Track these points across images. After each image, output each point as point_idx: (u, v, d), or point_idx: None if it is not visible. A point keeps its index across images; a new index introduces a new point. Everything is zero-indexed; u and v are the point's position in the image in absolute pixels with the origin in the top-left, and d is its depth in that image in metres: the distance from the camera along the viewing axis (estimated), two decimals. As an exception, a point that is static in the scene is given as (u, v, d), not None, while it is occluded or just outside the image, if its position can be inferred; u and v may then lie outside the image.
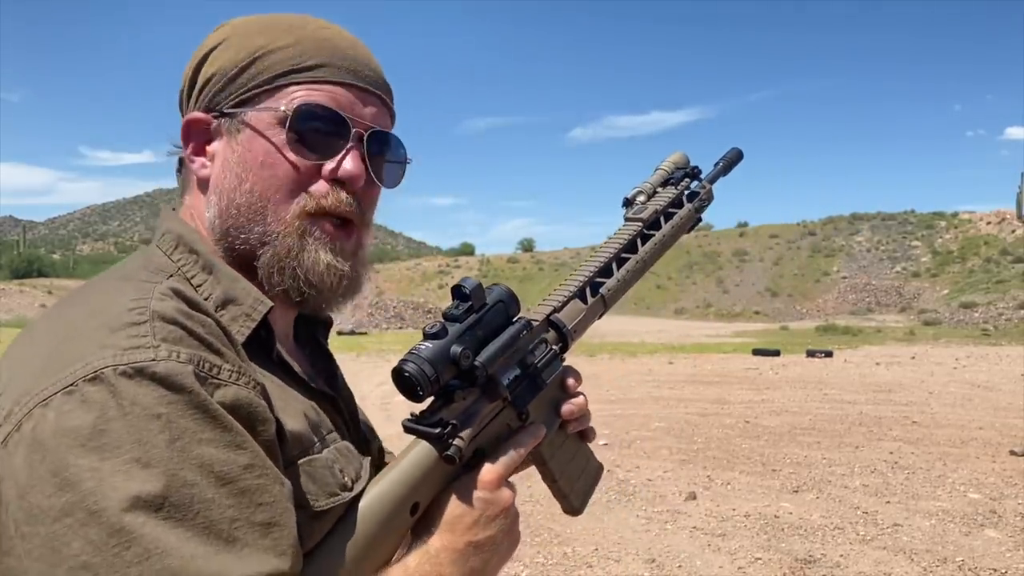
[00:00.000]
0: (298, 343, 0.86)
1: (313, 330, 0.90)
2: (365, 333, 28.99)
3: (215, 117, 0.77)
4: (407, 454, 0.72)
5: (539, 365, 0.80)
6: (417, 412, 0.74)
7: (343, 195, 0.76)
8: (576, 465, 0.89)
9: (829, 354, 17.17)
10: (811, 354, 17.35)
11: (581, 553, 4.24)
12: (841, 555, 4.22)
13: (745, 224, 74.78)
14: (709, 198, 1.04)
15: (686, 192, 1.02)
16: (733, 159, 1.09)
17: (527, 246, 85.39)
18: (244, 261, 0.76)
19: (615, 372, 13.87)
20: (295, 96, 0.74)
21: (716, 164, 1.08)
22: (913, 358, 16.84)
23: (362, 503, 0.70)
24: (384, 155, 0.80)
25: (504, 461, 0.76)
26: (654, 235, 0.96)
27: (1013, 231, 55.78)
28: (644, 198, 0.99)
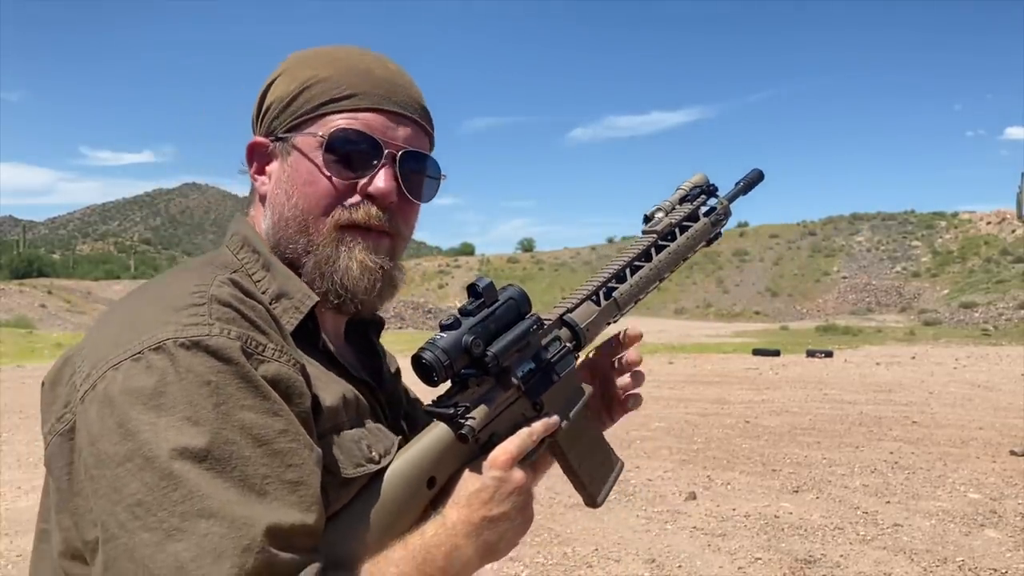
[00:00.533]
0: (349, 342, 0.96)
1: (365, 330, 1.00)
2: (365, 333, 28.93)
3: (272, 141, 0.88)
4: (426, 433, 0.80)
5: (552, 360, 0.88)
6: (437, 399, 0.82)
7: (373, 209, 0.85)
8: (595, 459, 0.95)
9: (829, 354, 17.18)
10: (811, 354, 17.36)
11: (581, 553, 4.24)
12: (841, 555, 4.22)
13: (745, 224, 74.73)
14: (726, 213, 1.09)
15: (703, 208, 1.07)
16: (754, 180, 1.14)
17: (527, 246, 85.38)
18: (292, 267, 0.86)
19: (615, 372, 13.86)
20: (333, 123, 0.85)
21: (737, 183, 1.13)
22: (913, 358, 16.85)
23: (385, 475, 0.77)
24: (417, 172, 0.89)
25: (515, 441, 0.82)
26: (668, 245, 1.02)
27: (1013, 231, 55.77)
28: (662, 215, 1.05)
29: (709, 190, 1.09)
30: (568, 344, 0.91)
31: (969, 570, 4.02)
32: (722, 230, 1.09)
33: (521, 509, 0.81)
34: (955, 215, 64.83)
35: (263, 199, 0.90)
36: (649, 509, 5.10)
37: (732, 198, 1.12)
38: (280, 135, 0.87)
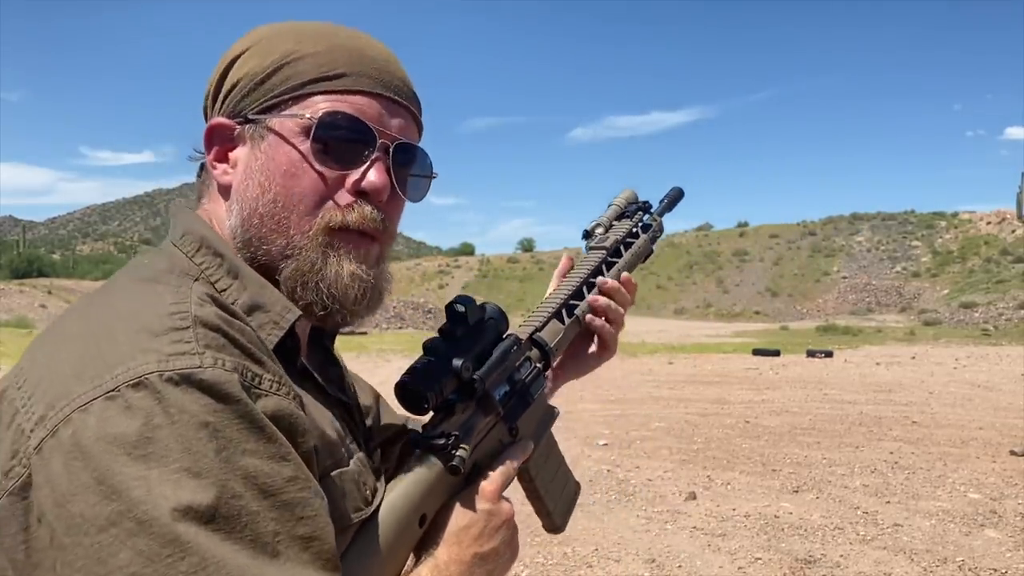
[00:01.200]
0: (310, 350, 0.85)
1: (319, 334, 0.88)
2: (365, 333, 28.93)
3: (239, 123, 0.75)
4: (413, 467, 0.73)
5: (527, 381, 0.83)
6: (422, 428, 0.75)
7: (367, 209, 0.74)
8: (558, 483, 0.91)
9: (829, 354, 17.18)
10: (811, 354, 17.36)
11: (581, 553, 4.23)
12: (841, 555, 4.22)
13: (745, 224, 74.78)
14: (660, 229, 1.14)
15: (640, 224, 1.11)
16: (676, 197, 1.18)
17: (527, 246, 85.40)
18: (266, 272, 0.73)
19: (615, 372, 13.87)
20: (320, 105, 0.73)
21: (662, 201, 1.17)
22: (913, 358, 16.85)
23: (380, 516, 0.70)
24: (410, 168, 0.78)
25: (502, 472, 0.77)
26: (616, 262, 1.04)
27: (1013, 231, 55.78)
28: (602, 230, 1.07)
29: (645, 206, 1.12)
30: (538, 364, 0.87)
31: (969, 570, 4.02)
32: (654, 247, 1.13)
33: (508, 543, 0.76)
34: (955, 215, 64.85)
35: (225, 191, 0.76)
36: (649, 509, 5.10)
37: (662, 214, 1.15)
38: (251, 116, 0.74)
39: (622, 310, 1.01)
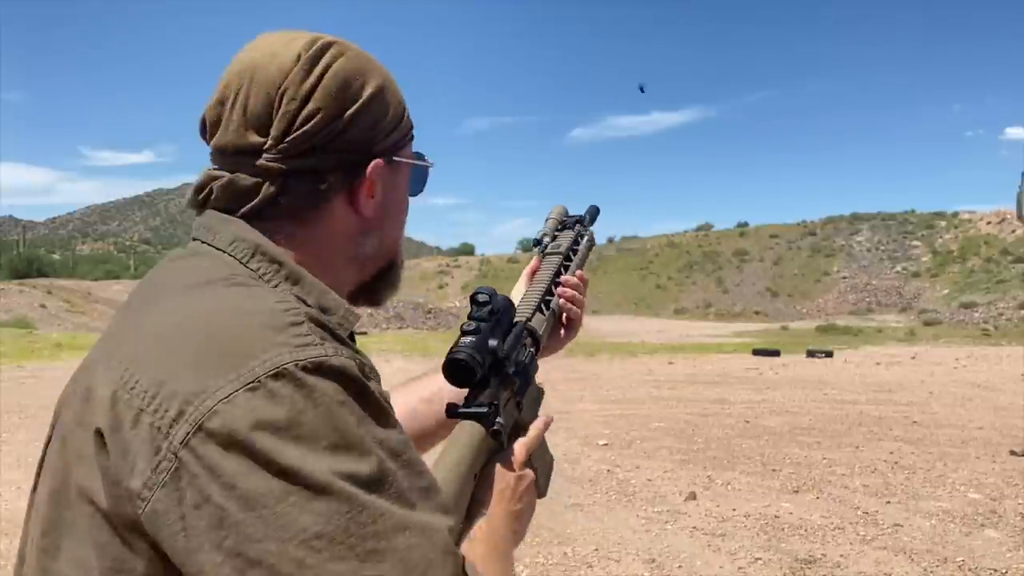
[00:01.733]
0: None
1: None
2: (365, 333, 28.96)
3: (386, 162, 0.83)
4: (462, 433, 0.83)
5: (527, 363, 0.96)
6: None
7: None
8: (540, 451, 1.01)
9: (829, 354, 17.19)
10: (811, 354, 17.37)
11: (581, 553, 4.23)
12: (841, 555, 4.22)
13: (745, 224, 74.73)
14: (593, 239, 1.33)
15: (579, 233, 1.30)
16: (595, 213, 1.38)
17: (527, 246, 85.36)
18: (360, 285, 0.88)
19: (615, 372, 13.87)
20: (411, 151, 0.89)
21: (585, 216, 1.36)
22: (913, 358, 16.85)
23: (440, 482, 0.76)
24: None
25: (531, 439, 0.89)
26: (570, 263, 1.23)
27: (1013, 231, 55.77)
28: (549, 239, 1.26)
29: (580, 220, 1.32)
30: (532, 349, 1.01)
31: (969, 570, 4.02)
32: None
33: (531, 505, 0.87)
34: (955, 215, 64.81)
35: (353, 219, 0.82)
36: (649, 509, 5.10)
37: (590, 226, 1.34)
38: (396, 158, 0.84)
39: (585, 297, 1.23)
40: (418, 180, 0.91)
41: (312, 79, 0.77)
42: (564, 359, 16.65)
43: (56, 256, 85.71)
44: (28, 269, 50.50)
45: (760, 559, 4.16)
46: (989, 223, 59.83)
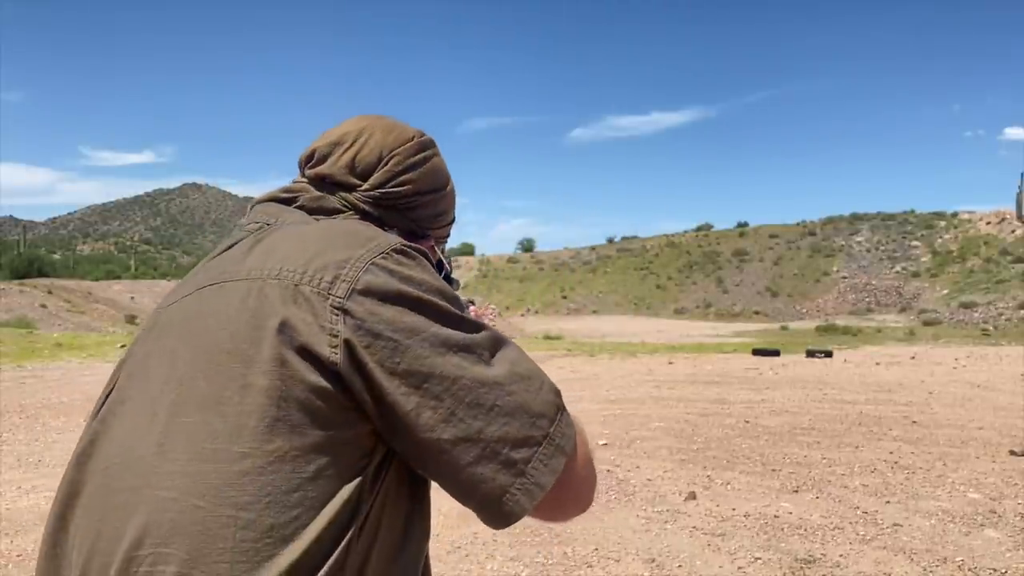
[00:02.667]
0: None
1: None
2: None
3: (432, 245, 1.09)
4: None
5: None
6: None
7: None
8: None
9: (829, 354, 17.19)
10: (811, 354, 17.37)
11: (581, 553, 4.24)
12: (841, 555, 4.22)
13: (745, 224, 74.75)
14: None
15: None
16: None
17: (527, 246, 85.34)
18: None
19: (615, 372, 13.87)
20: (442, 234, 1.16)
21: None
22: (913, 358, 16.85)
23: None
24: None
25: None
26: None
27: (1013, 231, 55.79)
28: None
29: None
30: None
31: (969, 570, 4.02)
32: None
33: None
34: (955, 215, 64.85)
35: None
36: (649, 509, 5.10)
37: None
38: (436, 246, 1.09)
39: None
40: (437, 271, 1.08)
41: (417, 158, 0.99)
42: (564, 359, 16.66)
43: (56, 256, 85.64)
44: (28, 269, 50.47)
45: (760, 559, 4.16)
46: (989, 223, 59.85)
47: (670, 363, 15.74)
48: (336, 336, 0.74)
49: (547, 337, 28.16)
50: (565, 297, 59.01)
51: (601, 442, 7.18)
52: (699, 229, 76.94)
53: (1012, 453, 6.64)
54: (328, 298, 0.75)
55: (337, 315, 0.74)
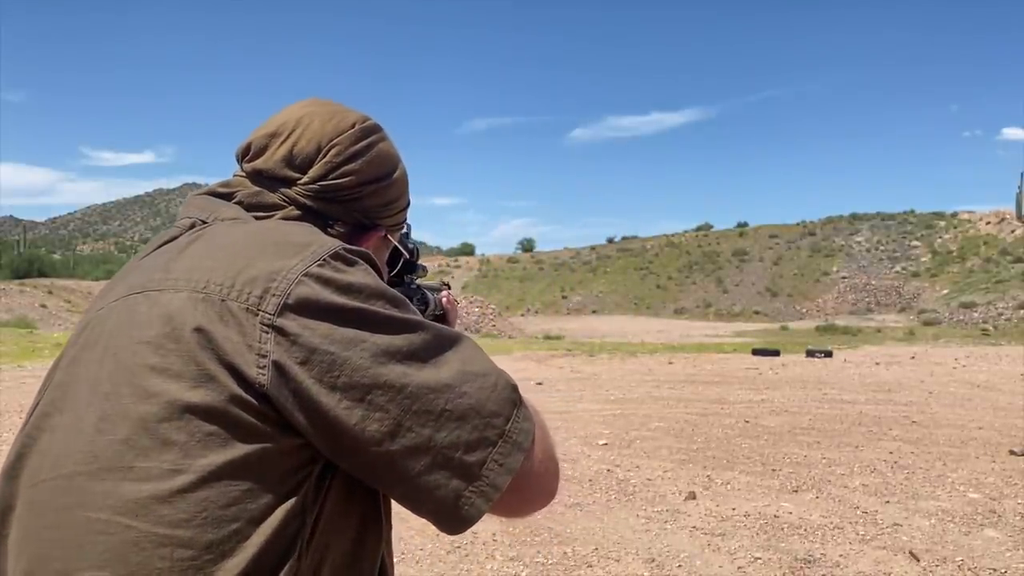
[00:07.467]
0: None
1: None
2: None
3: (383, 237, 1.01)
4: None
5: None
6: None
7: None
8: None
9: (829, 354, 17.18)
10: (811, 354, 17.36)
11: (581, 553, 4.24)
12: (841, 555, 4.22)
13: (745, 224, 74.75)
14: None
15: None
16: None
17: (527, 246, 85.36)
18: None
19: (615, 372, 13.87)
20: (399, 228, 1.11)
21: None
22: (913, 358, 16.85)
23: None
24: None
25: None
26: None
27: (1013, 231, 55.79)
28: None
29: None
30: None
31: (969, 570, 4.02)
32: None
33: None
34: (954, 215, 64.85)
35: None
36: (649, 509, 5.10)
37: None
38: (390, 236, 1.01)
39: None
40: (394, 261, 1.07)
41: (359, 146, 0.93)
42: (564, 359, 16.65)
43: (57, 256, 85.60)
44: (29, 269, 50.43)
45: (760, 558, 4.16)
46: (988, 223, 59.85)
47: (670, 363, 15.73)
48: (265, 356, 0.71)
49: (547, 337, 28.15)
50: (565, 297, 58.99)
51: (601, 442, 7.19)
52: (699, 229, 76.92)
53: (1012, 453, 6.64)
54: (257, 315, 0.72)
55: (267, 333, 0.71)
